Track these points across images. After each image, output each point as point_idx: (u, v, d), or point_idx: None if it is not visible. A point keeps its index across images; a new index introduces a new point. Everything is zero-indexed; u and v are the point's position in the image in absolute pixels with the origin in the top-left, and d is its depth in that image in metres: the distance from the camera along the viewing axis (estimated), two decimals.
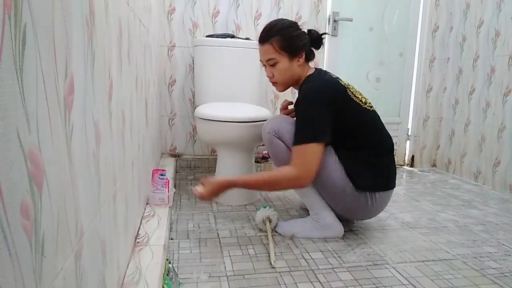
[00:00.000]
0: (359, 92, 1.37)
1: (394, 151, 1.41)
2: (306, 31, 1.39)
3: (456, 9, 2.39)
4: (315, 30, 1.41)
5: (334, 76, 1.36)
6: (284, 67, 1.34)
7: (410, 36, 2.45)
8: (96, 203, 0.61)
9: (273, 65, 1.36)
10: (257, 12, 2.19)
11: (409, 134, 2.58)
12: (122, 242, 0.84)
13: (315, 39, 1.39)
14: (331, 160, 1.29)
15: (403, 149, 2.59)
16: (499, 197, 1.95)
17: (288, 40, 1.32)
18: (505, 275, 1.14)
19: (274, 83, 1.42)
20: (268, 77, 1.41)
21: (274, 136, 1.37)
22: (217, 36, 1.98)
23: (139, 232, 1.10)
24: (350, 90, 1.32)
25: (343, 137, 1.30)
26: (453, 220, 1.60)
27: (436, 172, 2.47)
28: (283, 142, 1.35)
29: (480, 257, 1.26)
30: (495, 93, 2.10)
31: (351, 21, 2.31)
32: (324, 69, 2.29)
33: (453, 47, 2.42)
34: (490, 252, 1.29)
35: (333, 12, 2.29)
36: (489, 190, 2.07)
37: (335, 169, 1.29)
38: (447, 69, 2.48)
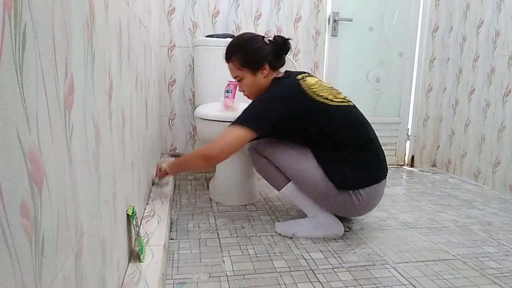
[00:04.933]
0: (328, 88, 1.32)
1: (393, 152, 1.41)
2: (271, 38, 1.37)
3: (456, 9, 2.39)
4: (280, 36, 1.39)
5: (297, 78, 1.32)
6: (249, 82, 1.37)
7: (410, 36, 2.45)
8: (96, 203, 0.61)
9: (240, 81, 1.40)
10: (257, 12, 2.19)
11: (409, 134, 2.58)
12: (122, 242, 0.84)
13: (280, 45, 1.37)
14: (310, 164, 1.29)
15: (403, 149, 2.59)
16: (499, 197, 1.95)
17: (247, 56, 1.35)
18: (505, 275, 1.14)
19: (247, 97, 1.44)
20: (240, 91, 1.45)
21: (254, 152, 1.41)
22: (217, 36, 1.98)
23: (139, 232, 1.09)
24: (312, 90, 1.28)
25: (316, 139, 1.30)
26: (453, 220, 1.60)
27: (436, 172, 2.47)
28: (265, 157, 1.38)
29: (480, 257, 1.26)
30: (495, 93, 2.10)
31: (351, 21, 2.31)
32: (325, 68, 2.31)
33: (453, 47, 2.42)
34: (490, 252, 1.29)
35: (333, 12, 2.29)
36: (489, 190, 2.07)
37: (314, 172, 1.28)
38: (447, 69, 2.48)
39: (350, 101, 1.36)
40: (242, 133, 1.23)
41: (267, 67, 1.35)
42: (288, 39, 1.39)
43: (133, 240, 0.97)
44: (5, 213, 0.31)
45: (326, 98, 1.29)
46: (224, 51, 1.40)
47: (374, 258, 1.22)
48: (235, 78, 1.41)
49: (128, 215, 0.90)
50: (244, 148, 1.64)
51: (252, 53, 1.35)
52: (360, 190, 1.28)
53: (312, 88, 1.29)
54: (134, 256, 0.93)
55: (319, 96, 1.28)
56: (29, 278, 0.36)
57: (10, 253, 0.32)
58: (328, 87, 1.34)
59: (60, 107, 0.45)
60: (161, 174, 1.46)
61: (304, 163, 1.30)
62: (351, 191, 1.28)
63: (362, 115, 1.37)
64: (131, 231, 0.93)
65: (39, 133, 0.39)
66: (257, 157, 1.41)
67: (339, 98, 1.32)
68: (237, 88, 1.65)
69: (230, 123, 1.28)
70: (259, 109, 1.28)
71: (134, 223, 0.94)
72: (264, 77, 1.36)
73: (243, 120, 1.25)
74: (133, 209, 0.94)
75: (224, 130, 1.25)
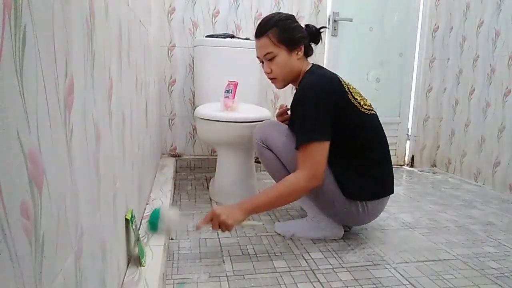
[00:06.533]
0: (359, 93, 1.31)
1: (393, 152, 1.39)
2: (303, 25, 1.34)
3: (456, 9, 2.39)
4: (313, 25, 1.35)
5: (333, 73, 1.30)
6: (283, 61, 1.27)
7: (410, 36, 2.45)
8: (96, 203, 0.61)
9: (271, 60, 1.27)
10: (257, 12, 2.19)
11: (409, 134, 2.58)
12: (122, 242, 0.84)
13: (313, 34, 1.33)
14: None
15: (403, 149, 2.59)
16: (499, 197, 1.95)
17: (286, 32, 1.25)
18: (505, 275, 1.14)
19: (273, 79, 1.33)
20: (266, 73, 1.32)
21: (263, 146, 1.35)
22: (217, 36, 1.98)
23: (139, 232, 1.09)
24: (350, 90, 1.26)
25: (336, 142, 1.21)
26: (453, 220, 1.60)
27: (436, 172, 2.47)
28: (271, 151, 1.33)
29: (481, 257, 1.26)
30: (495, 93, 2.10)
31: (351, 21, 2.31)
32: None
33: (453, 47, 2.42)
34: (490, 252, 1.29)
35: (333, 12, 2.29)
36: (489, 190, 2.07)
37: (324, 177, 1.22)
38: (447, 69, 2.48)
39: (374, 110, 1.34)
40: (320, 148, 1.17)
41: (302, 49, 1.28)
42: (322, 27, 1.36)
43: (132, 244, 0.96)
44: (5, 213, 0.31)
45: (359, 103, 1.27)
46: (258, 26, 1.30)
47: (374, 258, 1.22)
48: (265, 56, 1.28)
49: (126, 219, 0.89)
50: (244, 147, 1.65)
51: (291, 30, 1.27)
52: (368, 202, 1.27)
53: (349, 87, 1.28)
54: (135, 259, 0.93)
55: (354, 98, 1.26)
56: (29, 278, 0.36)
57: (10, 253, 0.32)
58: (357, 90, 1.32)
59: (60, 107, 0.45)
60: (227, 227, 1.12)
61: None
62: (359, 202, 1.26)
63: (381, 126, 1.34)
64: (130, 236, 0.92)
65: (39, 133, 0.38)
66: (264, 150, 1.34)
67: (366, 106, 1.29)
68: (237, 88, 1.60)
69: (296, 146, 1.19)
70: (312, 118, 1.18)
71: (134, 227, 0.93)
72: (298, 59, 1.28)
73: (309, 136, 1.17)
74: (132, 212, 0.92)
75: (302, 155, 1.17)
